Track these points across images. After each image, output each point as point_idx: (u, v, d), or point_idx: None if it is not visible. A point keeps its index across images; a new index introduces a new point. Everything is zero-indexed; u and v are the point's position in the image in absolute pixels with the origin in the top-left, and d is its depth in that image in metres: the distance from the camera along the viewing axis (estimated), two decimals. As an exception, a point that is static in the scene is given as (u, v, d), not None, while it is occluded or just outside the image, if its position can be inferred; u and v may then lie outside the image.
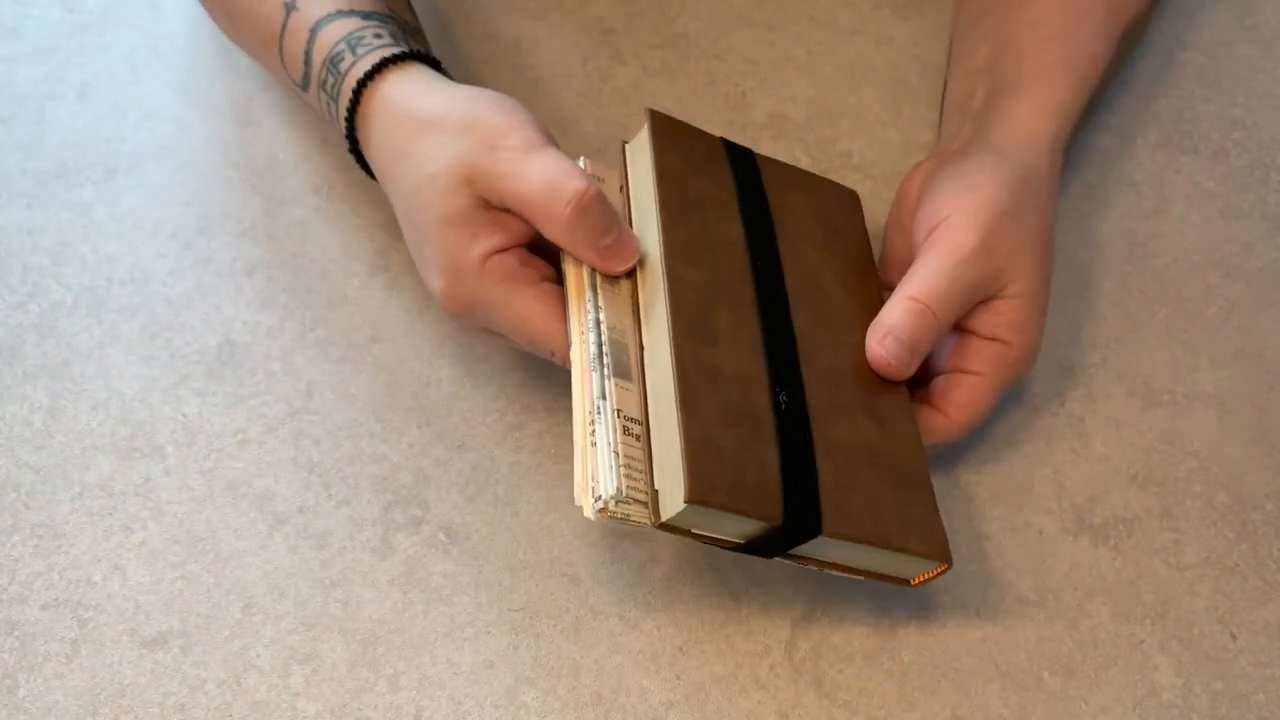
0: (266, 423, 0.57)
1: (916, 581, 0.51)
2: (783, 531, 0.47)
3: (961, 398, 0.53)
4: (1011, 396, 0.59)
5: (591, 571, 0.54)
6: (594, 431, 0.47)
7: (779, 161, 0.59)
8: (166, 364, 0.59)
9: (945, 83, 0.66)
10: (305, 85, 0.57)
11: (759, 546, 0.48)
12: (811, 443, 0.49)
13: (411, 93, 0.53)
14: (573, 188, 0.49)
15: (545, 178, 0.49)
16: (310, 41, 0.56)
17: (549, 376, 0.59)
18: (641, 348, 0.50)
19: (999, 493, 0.56)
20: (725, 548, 0.48)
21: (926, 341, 0.52)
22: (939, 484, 0.56)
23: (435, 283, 0.51)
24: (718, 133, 0.58)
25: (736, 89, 0.69)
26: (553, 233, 0.50)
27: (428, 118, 0.52)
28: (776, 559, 0.49)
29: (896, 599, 0.54)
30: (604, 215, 0.50)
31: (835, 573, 0.50)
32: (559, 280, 0.52)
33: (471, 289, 0.50)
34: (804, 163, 0.66)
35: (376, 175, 0.55)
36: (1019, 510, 0.56)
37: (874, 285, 0.56)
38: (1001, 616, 0.53)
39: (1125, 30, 0.62)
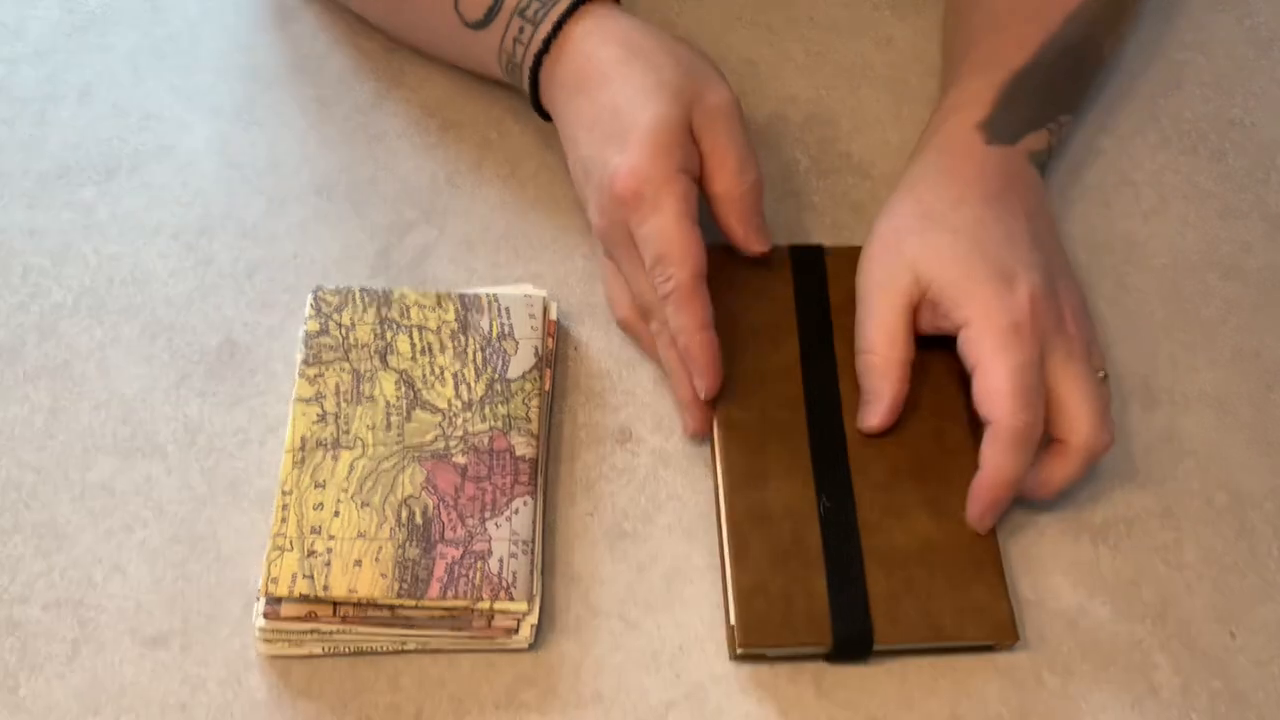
0: (267, 422, 0.57)
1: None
2: (834, 652, 0.51)
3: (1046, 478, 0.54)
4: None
5: (591, 571, 0.54)
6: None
7: (842, 249, 0.60)
8: (167, 364, 0.59)
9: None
10: (490, 17, 0.59)
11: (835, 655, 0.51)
12: (862, 562, 0.51)
13: (623, 26, 0.57)
14: (755, 175, 0.56)
15: (739, 150, 0.55)
16: None
17: (549, 376, 0.59)
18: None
19: (998, 492, 0.56)
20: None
21: (1021, 467, 0.52)
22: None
23: (625, 163, 0.53)
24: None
25: (737, 89, 0.69)
26: (721, 191, 0.56)
27: (643, 46, 0.56)
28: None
29: (896, 598, 0.54)
30: (760, 206, 0.57)
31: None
32: None
33: (656, 186, 0.53)
34: (804, 164, 0.66)
35: (561, 97, 0.58)
36: (1019, 510, 0.56)
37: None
38: (1001, 616, 0.53)
39: (1076, 9, 0.62)
